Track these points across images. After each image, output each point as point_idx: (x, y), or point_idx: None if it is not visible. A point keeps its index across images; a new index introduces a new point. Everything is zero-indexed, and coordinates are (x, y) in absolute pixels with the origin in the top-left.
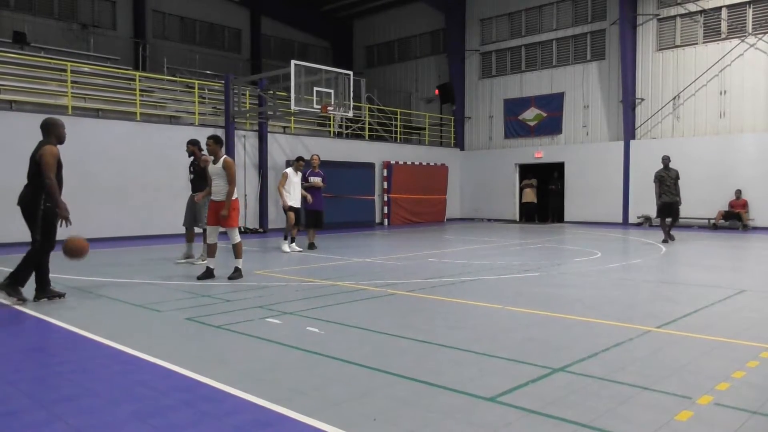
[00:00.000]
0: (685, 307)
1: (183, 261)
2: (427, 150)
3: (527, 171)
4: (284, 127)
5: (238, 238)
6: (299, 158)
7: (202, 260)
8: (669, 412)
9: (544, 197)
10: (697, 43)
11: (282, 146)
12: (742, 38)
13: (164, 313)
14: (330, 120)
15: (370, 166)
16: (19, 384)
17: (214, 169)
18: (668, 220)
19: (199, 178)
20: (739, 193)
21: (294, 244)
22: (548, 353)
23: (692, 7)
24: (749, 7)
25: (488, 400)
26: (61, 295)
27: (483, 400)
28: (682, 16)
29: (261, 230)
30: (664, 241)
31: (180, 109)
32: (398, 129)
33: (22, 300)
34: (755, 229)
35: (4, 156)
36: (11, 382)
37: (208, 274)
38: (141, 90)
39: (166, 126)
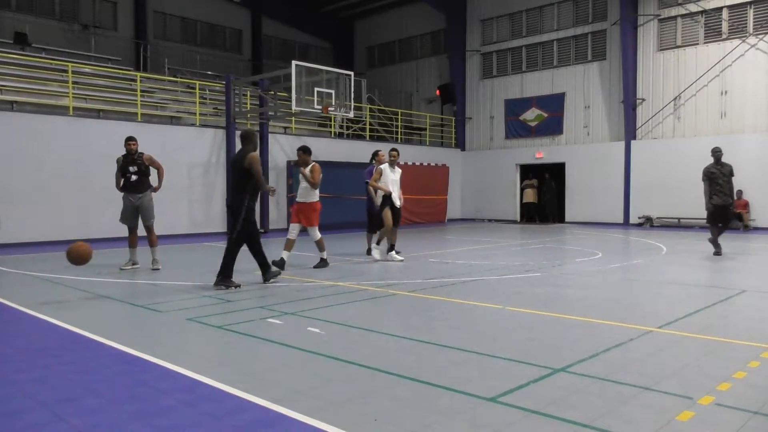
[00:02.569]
0: (686, 307)
1: (129, 267)
2: (428, 150)
3: (528, 171)
4: (285, 128)
5: (318, 235)
6: (394, 149)
7: (131, 266)
8: (670, 412)
9: (545, 197)
10: (698, 44)
11: (283, 147)
12: (743, 38)
13: (165, 314)
14: (331, 120)
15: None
16: (20, 384)
17: (304, 173)
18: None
19: (144, 177)
20: (740, 193)
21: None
22: (549, 353)
23: (693, 8)
24: (750, 7)
25: (489, 401)
26: (237, 286)
27: (484, 400)
28: (683, 16)
29: (262, 230)
30: (716, 254)
31: (181, 110)
32: (399, 129)
33: (236, 286)
34: (756, 229)
35: (5, 156)
36: (13, 382)
37: (281, 264)
38: (142, 90)
39: (167, 126)
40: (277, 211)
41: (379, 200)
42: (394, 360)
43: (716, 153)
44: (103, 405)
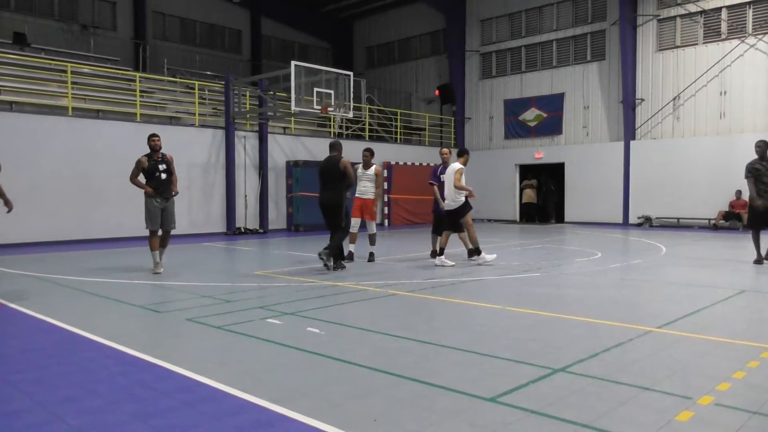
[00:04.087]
0: (686, 307)
1: (161, 270)
2: (428, 150)
3: (527, 171)
4: (284, 128)
5: (375, 230)
6: (464, 150)
7: (159, 269)
8: (669, 412)
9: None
10: (697, 44)
11: (282, 147)
12: (742, 39)
13: (165, 314)
14: (330, 121)
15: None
16: (19, 384)
17: (365, 173)
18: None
19: (171, 177)
20: (739, 193)
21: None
22: (549, 353)
23: (692, 8)
24: (749, 7)
25: (489, 401)
26: (344, 268)
27: (484, 400)
28: (682, 16)
29: (261, 231)
30: (757, 262)
31: (180, 110)
32: (398, 129)
33: (343, 267)
34: None
35: (4, 156)
36: (12, 382)
37: (350, 257)
38: (141, 91)
39: (167, 127)
40: (276, 212)
41: (459, 201)
42: (394, 360)
43: (759, 147)
44: (103, 405)
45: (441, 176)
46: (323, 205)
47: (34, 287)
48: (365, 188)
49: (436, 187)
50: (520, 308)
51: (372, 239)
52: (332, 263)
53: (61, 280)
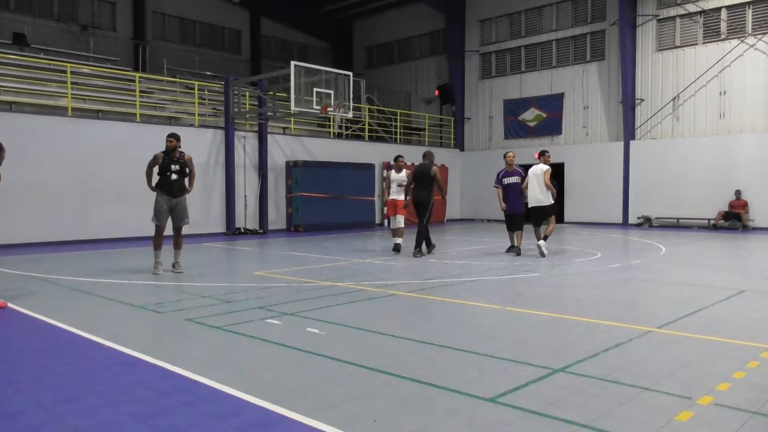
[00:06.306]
0: (686, 307)
1: (161, 271)
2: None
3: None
4: (284, 128)
5: (402, 224)
6: (544, 150)
7: (162, 270)
8: (669, 412)
9: None
10: (696, 44)
11: (282, 147)
12: (742, 39)
13: (164, 314)
14: (330, 121)
15: (369, 167)
16: (19, 385)
17: (398, 176)
18: None
19: (183, 178)
20: (738, 193)
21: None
22: (548, 354)
23: (692, 8)
24: (749, 7)
25: (488, 401)
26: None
27: (483, 400)
28: (681, 16)
29: (260, 231)
30: None
31: (180, 110)
32: (398, 130)
33: (423, 254)
34: (755, 229)
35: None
36: (11, 383)
37: (398, 248)
38: (141, 91)
39: (166, 127)
40: (276, 212)
41: (550, 199)
42: (394, 360)
43: None
44: (102, 406)
45: (504, 180)
46: (416, 203)
47: (35, 287)
48: (399, 189)
49: (499, 190)
50: (520, 308)
51: (399, 232)
52: (421, 254)
53: (61, 281)
